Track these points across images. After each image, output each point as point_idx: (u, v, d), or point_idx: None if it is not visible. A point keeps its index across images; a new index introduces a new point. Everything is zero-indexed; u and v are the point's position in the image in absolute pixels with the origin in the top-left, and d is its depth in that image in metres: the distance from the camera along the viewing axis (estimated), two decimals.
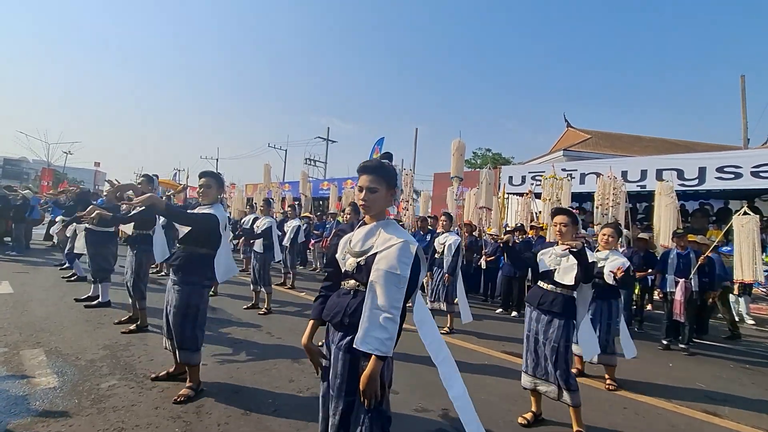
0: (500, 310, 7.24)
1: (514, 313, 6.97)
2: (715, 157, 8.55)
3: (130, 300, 4.59)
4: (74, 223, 5.97)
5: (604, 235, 3.92)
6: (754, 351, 5.67)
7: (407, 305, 1.70)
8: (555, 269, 2.88)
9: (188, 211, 3.17)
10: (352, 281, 1.74)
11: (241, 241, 8.20)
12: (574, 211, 3.09)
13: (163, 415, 2.64)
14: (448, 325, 5.41)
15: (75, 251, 6.61)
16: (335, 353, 1.69)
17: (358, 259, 1.72)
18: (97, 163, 34.34)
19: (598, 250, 3.88)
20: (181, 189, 10.28)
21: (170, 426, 2.53)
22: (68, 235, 6.86)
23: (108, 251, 5.48)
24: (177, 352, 3.01)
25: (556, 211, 2.98)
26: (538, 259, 3.01)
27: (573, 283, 2.80)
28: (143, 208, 4.04)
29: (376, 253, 1.66)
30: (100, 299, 5.31)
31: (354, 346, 1.59)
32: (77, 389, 2.92)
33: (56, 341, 3.87)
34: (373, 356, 1.56)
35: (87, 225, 5.50)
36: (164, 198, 7.10)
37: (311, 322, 1.85)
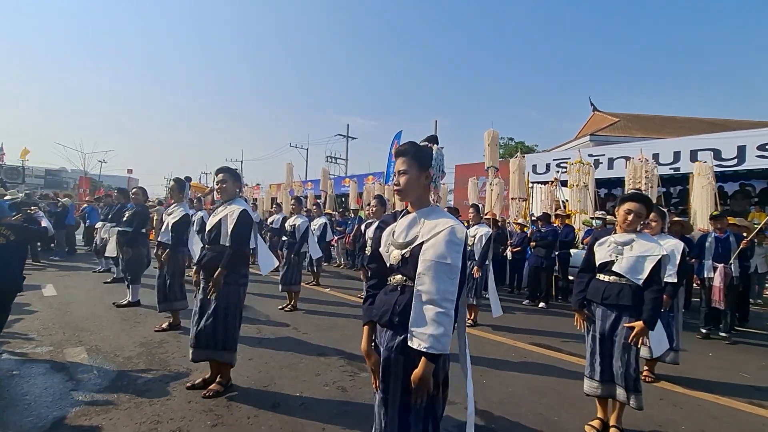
0: (527, 301, 7.10)
1: (541, 305, 6.82)
2: (755, 134, 8.01)
3: (160, 305, 4.66)
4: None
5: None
6: None
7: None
8: (615, 259, 2.62)
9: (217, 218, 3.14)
10: (399, 276, 1.61)
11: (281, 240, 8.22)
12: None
13: (195, 409, 2.74)
14: (470, 318, 5.35)
15: (106, 254, 6.91)
16: (386, 355, 1.58)
17: (403, 251, 1.59)
18: (130, 170, 35.91)
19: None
20: (208, 191, 10.59)
21: (202, 419, 2.62)
22: (104, 236, 7.21)
23: (140, 253, 5.67)
24: (218, 354, 2.98)
25: (631, 197, 2.70)
26: (594, 250, 2.74)
27: (646, 277, 2.50)
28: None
29: (422, 243, 1.54)
30: (130, 299, 5.51)
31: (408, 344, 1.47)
32: (116, 384, 3.07)
33: (96, 340, 4.08)
34: (424, 356, 1.44)
35: (120, 228, 5.76)
36: (194, 201, 7.33)
37: (365, 327, 1.68)
